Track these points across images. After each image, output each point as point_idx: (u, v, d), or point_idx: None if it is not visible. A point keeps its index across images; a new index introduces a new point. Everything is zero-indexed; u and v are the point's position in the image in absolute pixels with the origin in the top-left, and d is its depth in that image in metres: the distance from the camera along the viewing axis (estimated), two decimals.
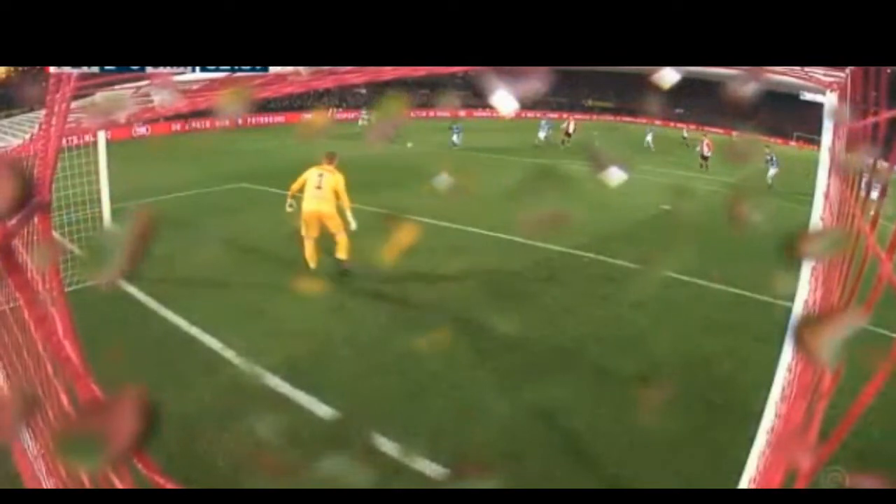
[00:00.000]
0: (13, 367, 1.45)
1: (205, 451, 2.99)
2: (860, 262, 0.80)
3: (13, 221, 0.76)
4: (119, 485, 0.76)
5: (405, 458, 3.02)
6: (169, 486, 0.79)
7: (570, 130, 21.63)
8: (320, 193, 5.45)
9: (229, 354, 4.12)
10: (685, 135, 28.00)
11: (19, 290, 0.74)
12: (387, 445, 3.11)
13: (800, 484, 0.61)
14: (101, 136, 5.75)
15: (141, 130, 19.64)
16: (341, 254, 5.60)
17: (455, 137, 19.43)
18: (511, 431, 3.33)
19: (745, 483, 1.95)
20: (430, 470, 2.93)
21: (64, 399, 0.98)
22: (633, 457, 3.14)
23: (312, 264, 5.69)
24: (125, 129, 17.03)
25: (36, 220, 1.22)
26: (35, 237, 1.31)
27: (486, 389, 3.82)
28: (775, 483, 0.70)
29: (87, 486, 0.80)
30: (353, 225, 5.53)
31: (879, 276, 0.62)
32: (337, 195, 5.48)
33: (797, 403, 0.88)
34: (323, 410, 3.47)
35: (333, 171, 5.58)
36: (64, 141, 2.02)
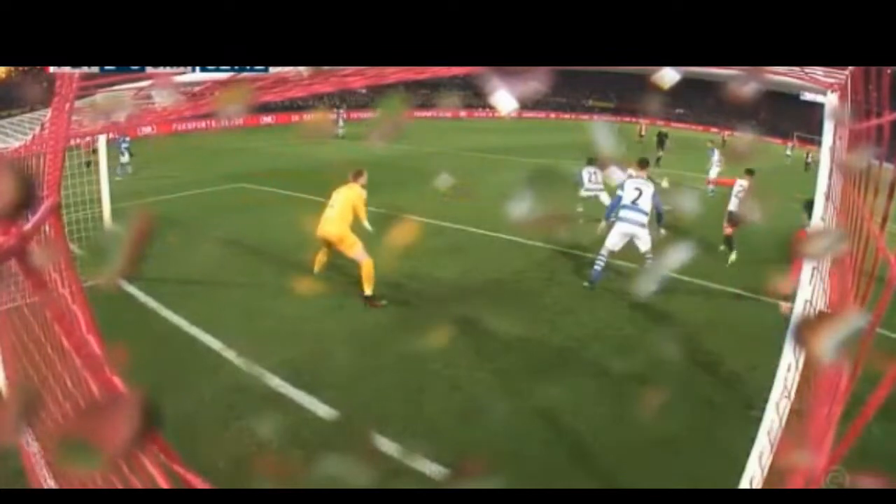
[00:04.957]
0: (35, 362, 1.45)
1: (205, 450, 2.99)
2: (871, 265, 0.80)
3: (29, 224, 0.76)
4: (153, 471, 0.77)
5: (405, 458, 3.02)
6: (189, 476, 0.79)
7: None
8: (330, 213, 5.19)
9: (229, 354, 4.12)
10: (642, 133, 25.17)
11: (36, 291, 0.74)
12: (387, 445, 3.11)
13: (813, 485, 0.61)
14: (102, 136, 5.75)
15: (145, 130, 19.50)
16: (364, 286, 5.14)
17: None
18: (511, 431, 3.33)
19: (745, 483, 1.95)
20: (430, 470, 2.93)
21: (95, 393, 0.99)
22: (633, 456, 3.14)
23: (316, 268, 5.51)
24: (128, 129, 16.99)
25: (48, 222, 1.22)
26: (48, 238, 1.31)
27: (486, 389, 3.81)
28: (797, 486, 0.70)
29: (124, 471, 0.80)
30: (369, 228, 5.28)
31: (889, 279, 0.62)
32: (352, 210, 5.17)
33: (819, 409, 0.89)
34: (323, 410, 3.47)
35: (352, 185, 5.30)
36: None
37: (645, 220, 5.74)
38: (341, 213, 5.17)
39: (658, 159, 15.80)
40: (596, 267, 5.83)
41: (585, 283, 5.89)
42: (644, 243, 5.74)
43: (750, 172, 7.53)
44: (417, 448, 3.06)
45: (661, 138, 18.25)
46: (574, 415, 3.52)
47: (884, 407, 0.58)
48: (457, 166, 14.88)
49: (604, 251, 5.83)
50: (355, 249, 5.12)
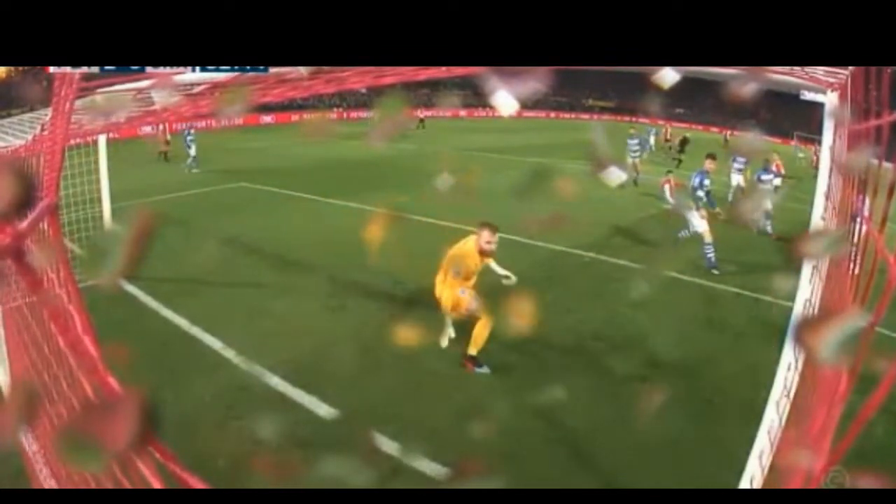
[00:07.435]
0: (33, 362, 1.44)
1: (205, 450, 2.99)
2: (870, 265, 0.80)
3: (25, 223, 0.76)
4: (147, 473, 0.77)
5: (405, 458, 3.02)
6: (184, 475, 0.80)
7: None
8: (440, 275, 4.23)
9: (229, 354, 4.12)
10: (668, 137, 24.08)
11: (32, 291, 0.74)
12: (387, 445, 3.11)
13: (812, 485, 0.61)
14: (102, 136, 5.75)
15: (146, 129, 19.35)
16: (471, 344, 4.11)
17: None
18: (511, 431, 3.33)
19: (745, 483, 1.95)
20: (430, 470, 2.93)
21: (90, 394, 0.99)
22: (633, 456, 3.14)
23: (443, 342, 4.45)
24: (130, 128, 16.92)
25: (45, 221, 1.22)
26: (45, 238, 1.31)
27: (486, 389, 3.81)
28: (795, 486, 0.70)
29: (118, 474, 0.80)
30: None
31: (889, 280, 0.62)
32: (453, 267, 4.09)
33: (818, 410, 0.89)
34: (323, 410, 3.47)
35: (468, 240, 4.23)
36: None
37: (692, 205, 6.81)
38: (443, 273, 4.22)
39: (679, 162, 15.75)
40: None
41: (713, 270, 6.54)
42: (692, 227, 6.74)
43: (712, 157, 7.39)
44: (417, 448, 3.06)
45: (682, 143, 18.82)
46: (574, 415, 3.52)
47: (886, 406, 0.58)
48: (457, 166, 14.88)
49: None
50: (469, 307, 4.10)
